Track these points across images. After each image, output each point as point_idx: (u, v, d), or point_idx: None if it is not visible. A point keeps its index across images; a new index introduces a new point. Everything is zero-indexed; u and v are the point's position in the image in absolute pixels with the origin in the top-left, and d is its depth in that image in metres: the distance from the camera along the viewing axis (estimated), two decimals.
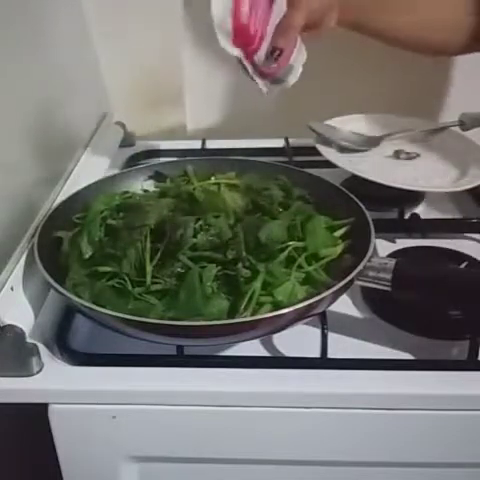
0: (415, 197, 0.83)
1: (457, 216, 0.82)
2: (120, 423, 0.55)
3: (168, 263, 0.58)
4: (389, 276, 0.56)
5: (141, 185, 0.75)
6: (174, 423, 0.56)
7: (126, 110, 1.03)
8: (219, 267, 0.57)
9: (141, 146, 1.00)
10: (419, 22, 0.77)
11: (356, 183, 0.82)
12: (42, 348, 0.56)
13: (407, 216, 0.78)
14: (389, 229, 0.74)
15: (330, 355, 0.56)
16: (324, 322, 0.57)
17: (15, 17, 0.65)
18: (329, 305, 0.56)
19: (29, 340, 0.55)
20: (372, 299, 0.64)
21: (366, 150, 0.85)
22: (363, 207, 0.64)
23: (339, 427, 0.55)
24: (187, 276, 0.56)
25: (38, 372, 0.55)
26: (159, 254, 0.59)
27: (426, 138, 0.90)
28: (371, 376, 0.54)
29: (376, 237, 0.59)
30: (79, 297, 0.54)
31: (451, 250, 0.70)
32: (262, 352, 0.58)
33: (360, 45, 0.98)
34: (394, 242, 0.73)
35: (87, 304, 0.53)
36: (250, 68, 0.65)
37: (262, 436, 0.56)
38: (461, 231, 0.77)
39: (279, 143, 0.97)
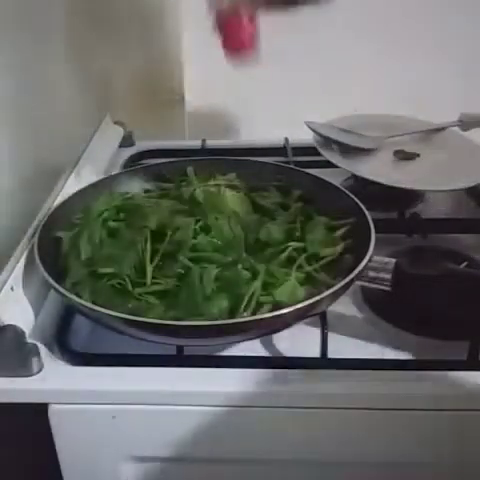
0: (415, 197, 0.83)
1: (457, 216, 0.82)
2: (120, 423, 0.55)
3: (168, 264, 0.58)
4: (389, 276, 0.56)
5: (141, 185, 0.75)
6: (174, 423, 0.56)
7: (126, 110, 1.03)
8: (219, 268, 0.57)
9: (141, 146, 1.00)
10: None
11: (356, 183, 0.82)
12: (42, 348, 0.56)
13: (407, 216, 0.78)
14: (389, 229, 0.73)
15: (330, 355, 0.56)
16: (324, 322, 0.57)
17: (14, 17, 0.65)
18: (329, 305, 0.56)
19: (29, 340, 0.55)
20: (372, 299, 0.64)
21: (366, 150, 0.85)
22: (363, 207, 0.64)
23: (339, 427, 0.55)
24: (187, 277, 0.56)
25: (38, 372, 0.55)
26: (159, 255, 0.59)
27: (426, 138, 0.90)
28: (371, 376, 0.54)
29: (376, 237, 0.59)
30: (79, 297, 0.54)
31: (451, 250, 0.70)
32: (262, 352, 0.58)
33: (360, 45, 0.98)
34: (394, 242, 0.73)
35: (87, 304, 0.53)
36: None
37: (262, 436, 0.56)
38: (461, 231, 0.77)
39: (279, 143, 0.97)
